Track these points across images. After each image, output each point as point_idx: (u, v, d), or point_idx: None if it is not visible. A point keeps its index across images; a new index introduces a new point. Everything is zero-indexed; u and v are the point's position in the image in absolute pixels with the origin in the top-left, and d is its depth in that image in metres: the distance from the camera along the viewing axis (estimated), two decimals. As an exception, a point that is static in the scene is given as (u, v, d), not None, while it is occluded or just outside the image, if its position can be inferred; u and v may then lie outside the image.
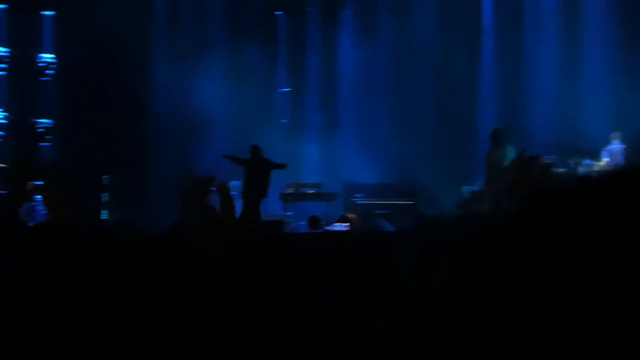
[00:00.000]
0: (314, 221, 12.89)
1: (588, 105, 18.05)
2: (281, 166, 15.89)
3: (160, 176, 18.07)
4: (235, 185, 17.20)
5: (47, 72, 19.50)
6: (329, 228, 12.47)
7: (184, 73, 19.59)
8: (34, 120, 19.35)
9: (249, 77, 19.15)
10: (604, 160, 15.96)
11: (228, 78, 19.39)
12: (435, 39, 20.14)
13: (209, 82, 19.14)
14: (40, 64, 19.51)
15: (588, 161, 15.95)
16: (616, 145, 16.00)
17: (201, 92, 19.02)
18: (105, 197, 18.05)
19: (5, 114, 19.03)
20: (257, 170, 15.57)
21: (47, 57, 19.54)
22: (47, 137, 19.43)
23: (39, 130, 19.37)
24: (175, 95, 19.32)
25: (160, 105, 19.36)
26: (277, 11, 20.86)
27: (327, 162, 19.34)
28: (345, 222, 12.64)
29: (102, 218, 17.17)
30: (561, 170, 15.77)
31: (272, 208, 16.36)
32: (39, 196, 7.73)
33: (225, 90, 19.35)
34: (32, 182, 5.01)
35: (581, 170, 15.99)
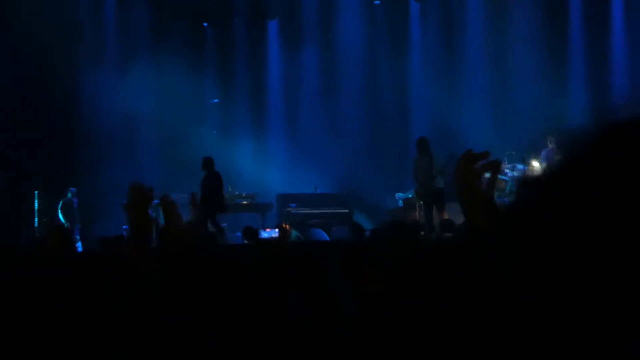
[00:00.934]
0: (249, 232, 12.79)
1: (519, 111, 18.31)
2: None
3: (91, 190, 17.84)
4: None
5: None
6: (260, 236, 12.41)
7: (112, 86, 19.33)
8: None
9: (178, 89, 18.98)
10: (541, 164, 16.03)
11: (156, 90, 19.18)
12: (364, 46, 20.27)
13: (137, 93, 18.91)
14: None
15: (520, 166, 16.12)
16: (552, 150, 16.05)
17: (129, 104, 18.79)
18: (35, 211, 17.86)
19: None
20: (216, 182, 15.45)
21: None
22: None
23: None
24: (103, 108, 19.03)
25: (88, 119, 19.04)
26: (203, 22, 20.71)
27: (259, 173, 19.26)
28: (280, 230, 12.60)
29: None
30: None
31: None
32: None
33: (154, 102, 19.14)
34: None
35: (512, 174, 16.17)
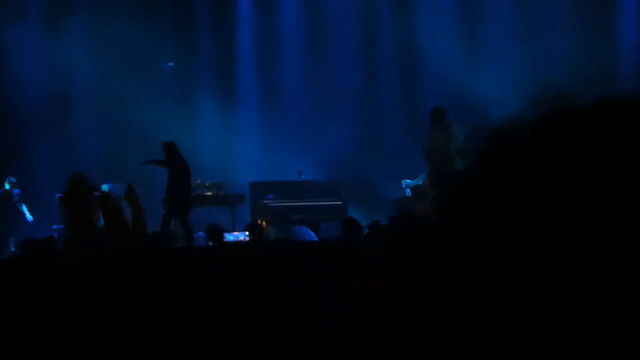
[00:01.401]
0: (213, 231, 12.79)
1: (556, 71, 18.30)
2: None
3: (14, 177, 17.76)
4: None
5: None
6: (226, 239, 12.39)
7: (40, 45, 19.23)
8: None
9: (123, 49, 18.94)
10: None
11: (96, 51, 19.12)
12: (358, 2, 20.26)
13: (72, 55, 18.86)
14: None
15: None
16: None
17: (61, 69, 18.76)
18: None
19: None
20: (183, 173, 15.32)
21: None
22: None
23: None
24: (28, 74, 18.91)
25: (8, 87, 18.94)
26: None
27: (228, 156, 19.23)
28: (253, 231, 12.59)
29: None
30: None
31: (159, 214, 16.18)
32: None
33: (93, 66, 19.07)
34: None
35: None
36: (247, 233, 9.93)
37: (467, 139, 14.33)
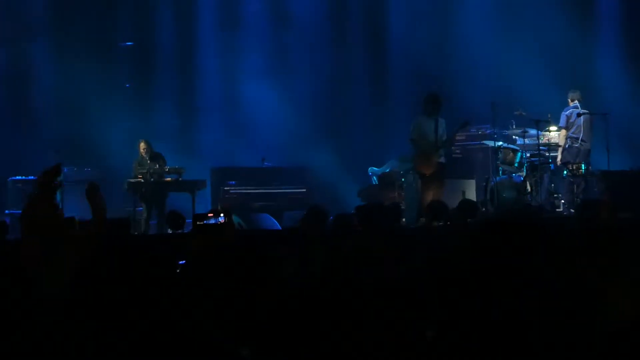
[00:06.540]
0: (174, 218, 12.83)
1: (529, 65, 18.45)
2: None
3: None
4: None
5: None
6: (205, 222, 12.37)
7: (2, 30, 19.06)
8: None
9: (76, 30, 18.87)
10: (559, 129, 16.22)
11: (47, 32, 19.00)
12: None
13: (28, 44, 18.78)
14: None
15: (532, 131, 16.27)
16: (575, 109, 16.15)
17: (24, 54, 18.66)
18: None
19: None
20: None
21: None
22: None
23: None
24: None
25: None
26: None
27: (188, 140, 19.22)
28: (219, 215, 12.60)
29: None
30: (502, 144, 16.20)
31: (116, 201, 16.15)
32: None
33: (45, 48, 18.93)
34: None
35: (523, 142, 16.39)
36: (223, 216, 10.01)
37: (456, 131, 14.80)
